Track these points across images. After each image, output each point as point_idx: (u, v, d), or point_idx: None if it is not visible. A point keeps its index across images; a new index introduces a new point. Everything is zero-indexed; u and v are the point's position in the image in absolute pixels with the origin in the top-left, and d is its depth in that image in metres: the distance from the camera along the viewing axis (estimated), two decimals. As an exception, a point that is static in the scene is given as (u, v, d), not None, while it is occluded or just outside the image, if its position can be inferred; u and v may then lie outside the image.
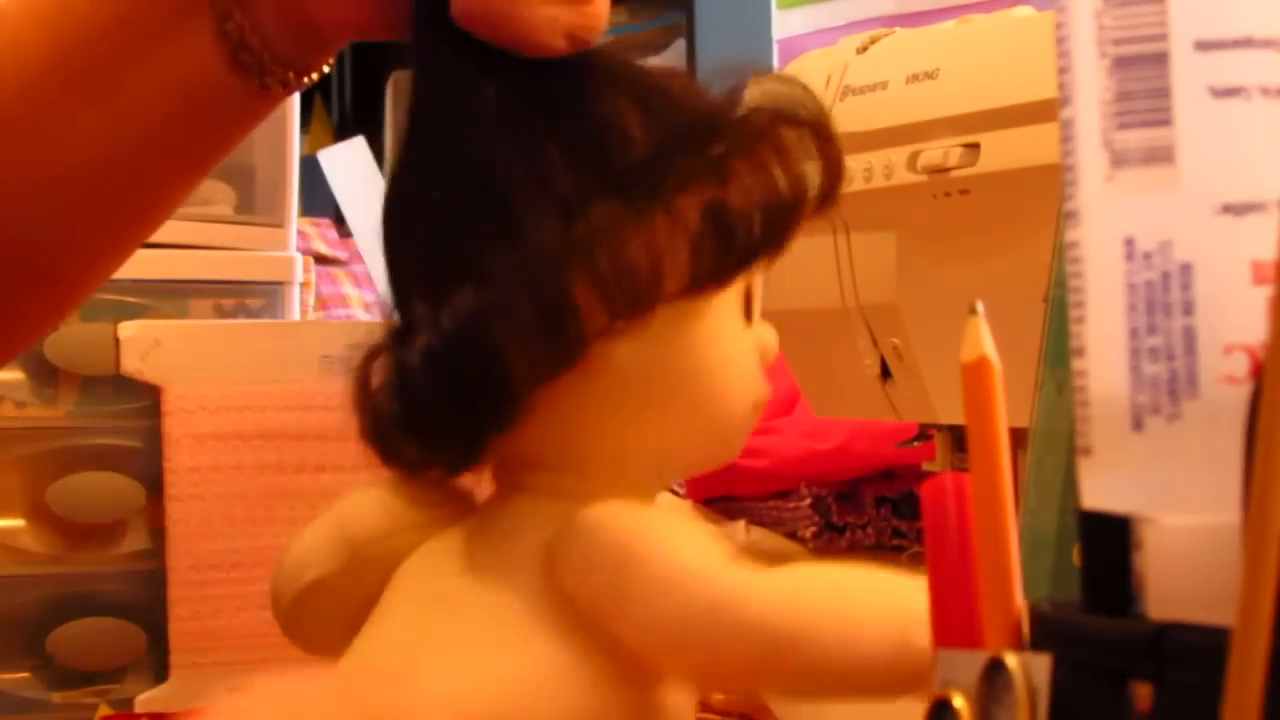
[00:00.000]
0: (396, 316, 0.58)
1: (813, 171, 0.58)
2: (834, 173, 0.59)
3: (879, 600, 0.52)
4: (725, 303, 0.58)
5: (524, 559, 0.56)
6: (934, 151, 0.88)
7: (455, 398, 0.54)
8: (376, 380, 0.57)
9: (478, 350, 0.54)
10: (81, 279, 0.71)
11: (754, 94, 0.59)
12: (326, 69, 0.67)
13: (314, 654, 0.60)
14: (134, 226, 0.70)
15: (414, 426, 0.56)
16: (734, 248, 0.55)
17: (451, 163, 0.57)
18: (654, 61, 0.62)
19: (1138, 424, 0.39)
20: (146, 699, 1.12)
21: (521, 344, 0.53)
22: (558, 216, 0.54)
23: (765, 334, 0.60)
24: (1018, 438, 0.44)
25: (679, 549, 0.53)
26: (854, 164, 0.94)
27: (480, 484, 0.61)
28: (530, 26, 0.56)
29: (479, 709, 0.53)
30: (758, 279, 0.60)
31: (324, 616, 0.59)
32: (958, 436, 0.98)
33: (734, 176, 0.55)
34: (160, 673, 1.13)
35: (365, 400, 0.58)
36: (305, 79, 0.66)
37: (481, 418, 0.55)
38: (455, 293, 0.54)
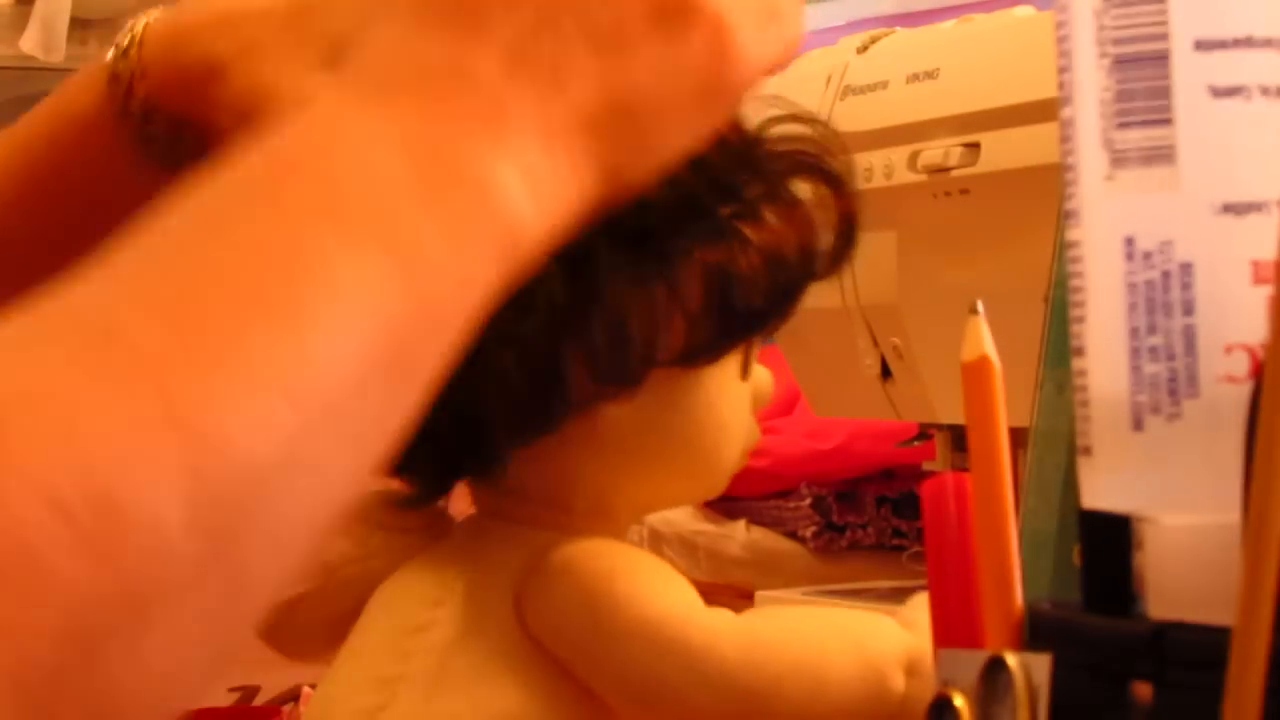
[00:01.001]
0: None
1: (825, 229, 0.57)
2: (847, 235, 0.58)
3: (849, 645, 0.52)
4: (727, 366, 0.57)
5: (500, 592, 0.56)
6: (934, 151, 0.88)
7: (435, 446, 0.53)
8: None
9: (459, 404, 0.52)
10: None
11: (783, 135, 0.58)
12: None
13: (293, 659, 0.61)
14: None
15: (399, 464, 0.56)
16: (733, 324, 0.55)
17: None
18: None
19: (1138, 424, 0.39)
20: (146, 699, 1.11)
21: (504, 404, 0.53)
22: (559, 277, 0.53)
23: (760, 380, 0.59)
24: (1018, 438, 0.44)
25: (649, 598, 0.53)
26: (854, 164, 0.94)
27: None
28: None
29: None
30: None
31: (301, 629, 0.59)
32: (958, 436, 0.98)
33: (742, 248, 0.54)
34: (160, 673, 1.13)
35: None
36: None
37: (460, 466, 0.56)
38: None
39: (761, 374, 0.59)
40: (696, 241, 0.54)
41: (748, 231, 0.55)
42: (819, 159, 0.58)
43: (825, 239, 0.58)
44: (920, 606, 0.54)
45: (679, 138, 0.43)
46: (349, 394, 0.36)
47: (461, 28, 0.42)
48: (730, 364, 0.57)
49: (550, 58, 0.41)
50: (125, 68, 0.60)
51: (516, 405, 0.53)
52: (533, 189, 0.40)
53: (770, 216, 0.55)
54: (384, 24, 0.43)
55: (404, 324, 0.38)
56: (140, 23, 0.62)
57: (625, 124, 0.42)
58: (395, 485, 0.59)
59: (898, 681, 0.51)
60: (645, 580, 0.54)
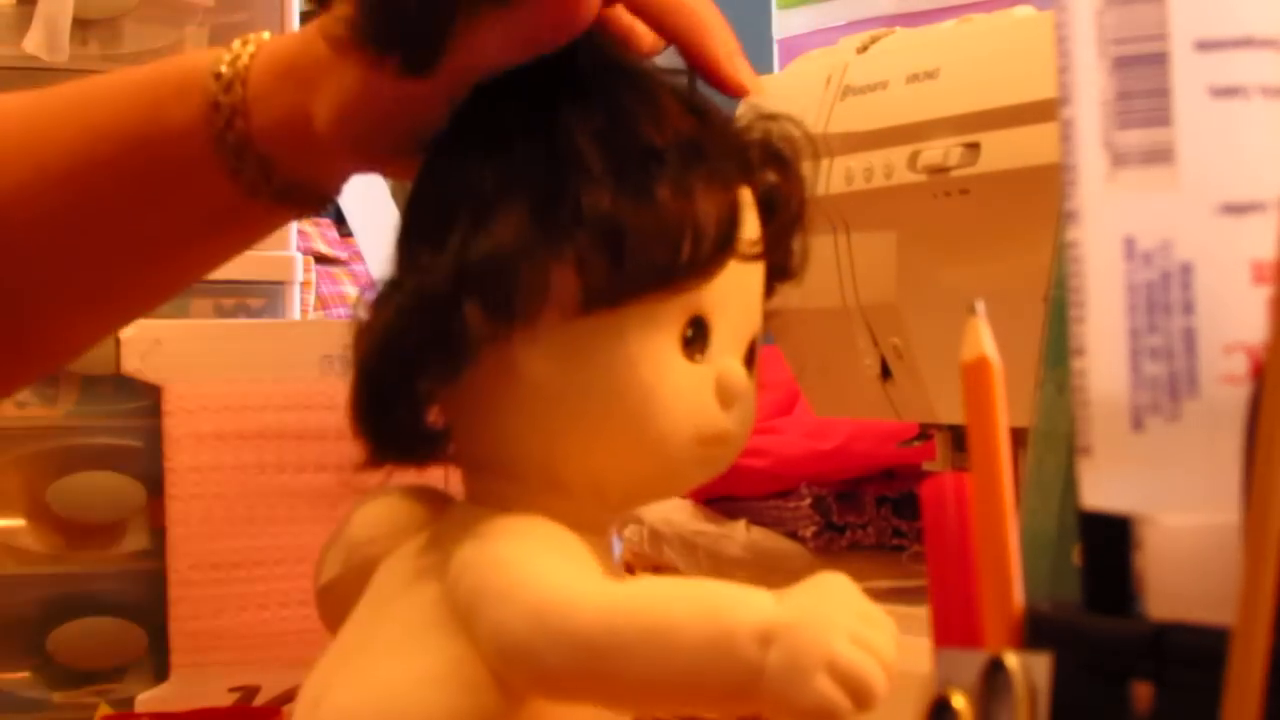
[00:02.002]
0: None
1: (752, 222, 0.58)
2: (791, 213, 0.59)
3: (702, 611, 0.52)
4: (651, 328, 0.57)
5: (439, 566, 0.57)
6: (934, 151, 0.88)
7: (369, 388, 0.57)
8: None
9: (382, 345, 0.56)
10: (64, 349, 0.73)
11: (752, 129, 0.59)
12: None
13: None
14: (130, 310, 0.72)
15: (353, 413, 0.58)
16: (625, 269, 0.55)
17: (427, 160, 0.59)
18: (657, 62, 0.62)
19: (1138, 424, 0.39)
20: (146, 699, 1.12)
21: (414, 342, 0.55)
22: (471, 223, 0.55)
23: (726, 368, 0.58)
24: (1018, 438, 0.45)
25: (523, 562, 0.54)
26: (854, 164, 0.94)
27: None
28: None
29: (362, 716, 0.54)
30: (718, 310, 0.58)
31: (339, 616, 0.60)
32: (958, 436, 0.98)
33: (645, 198, 0.55)
34: (160, 673, 1.13)
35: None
36: (319, 192, 0.65)
37: (391, 409, 0.57)
38: (395, 287, 0.56)
39: (727, 364, 0.59)
40: (595, 200, 0.55)
41: (661, 193, 0.55)
42: (771, 146, 0.59)
43: (751, 225, 0.58)
44: (809, 584, 0.53)
45: None
46: None
47: None
48: (660, 332, 0.57)
49: None
50: (228, 101, 0.62)
51: (422, 343, 0.55)
52: None
53: (692, 185, 0.56)
54: None
55: None
56: (246, 52, 0.63)
57: None
58: (416, 475, 0.61)
59: (750, 651, 0.51)
60: (527, 546, 0.55)
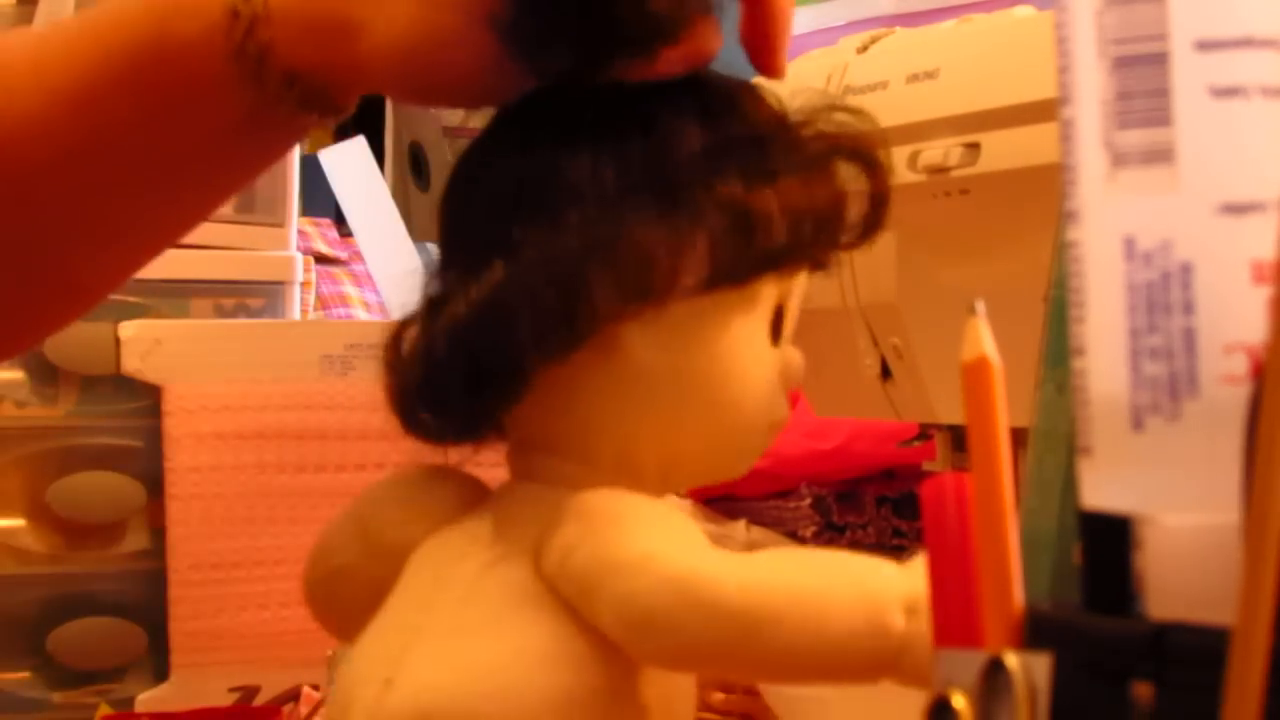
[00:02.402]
0: (436, 286, 0.59)
1: (858, 201, 0.59)
2: (879, 204, 0.60)
3: (850, 582, 0.52)
4: (750, 313, 0.58)
5: (520, 546, 0.57)
6: (934, 151, 0.88)
7: (468, 366, 0.56)
8: (407, 348, 0.58)
9: (493, 321, 0.55)
10: (96, 286, 0.71)
11: (824, 122, 0.60)
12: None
13: (341, 638, 0.62)
14: (156, 241, 0.70)
15: (430, 393, 0.57)
16: (754, 248, 0.56)
17: (512, 148, 0.58)
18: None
19: (1138, 424, 0.39)
20: (146, 699, 1.12)
21: (533, 317, 0.55)
22: (594, 207, 0.55)
23: (792, 357, 0.61)
24: (1018, 438, 0.45)
25: (654, 533, 0.54)
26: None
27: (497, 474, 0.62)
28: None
29: (459, 695, 0.53)
30: (792, 299, 0.60)
31: (347, 602, 0.60)
32: (958, 436, 0.98)
33: (766, 184, 0.57)
34: (160, 672, 1.13)
35: (393, 366, 0.58)
36: (338, 101, 0.62)
37: (490, 388, 0.56)
38: (488, 267, 0.56)
39: (793, 352, 0.61)
40: (721, 179, 0.56)
41: (778, 175, 0.57)
42: (856, 142, 0.60)
43: (854, 211, 0.59)
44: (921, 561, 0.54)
45: None
46: None
47: None
48: (758, 319, 0.59)
49: None
50: (247, 9, 0.60)
51: (543, 314, 0.55)
52: None
53: (804, 167, 0.58)
54: None
55: None
56: None
57: None
58: (437, 458, 0.60)
59: (897, 619, 0.52)
60: (648, 519, 0.54)
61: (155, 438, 1.13)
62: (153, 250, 0.70)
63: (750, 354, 0.58)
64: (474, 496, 0.61)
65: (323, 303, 1.91)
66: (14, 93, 0.64)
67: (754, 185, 0.57)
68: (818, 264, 0.62)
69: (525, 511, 0.58)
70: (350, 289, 1.93)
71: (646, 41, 0.57)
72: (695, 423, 0.58)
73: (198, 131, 0.63)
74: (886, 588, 0.52)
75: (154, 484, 1.14)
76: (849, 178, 0.59)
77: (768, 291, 0.59)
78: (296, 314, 1.35)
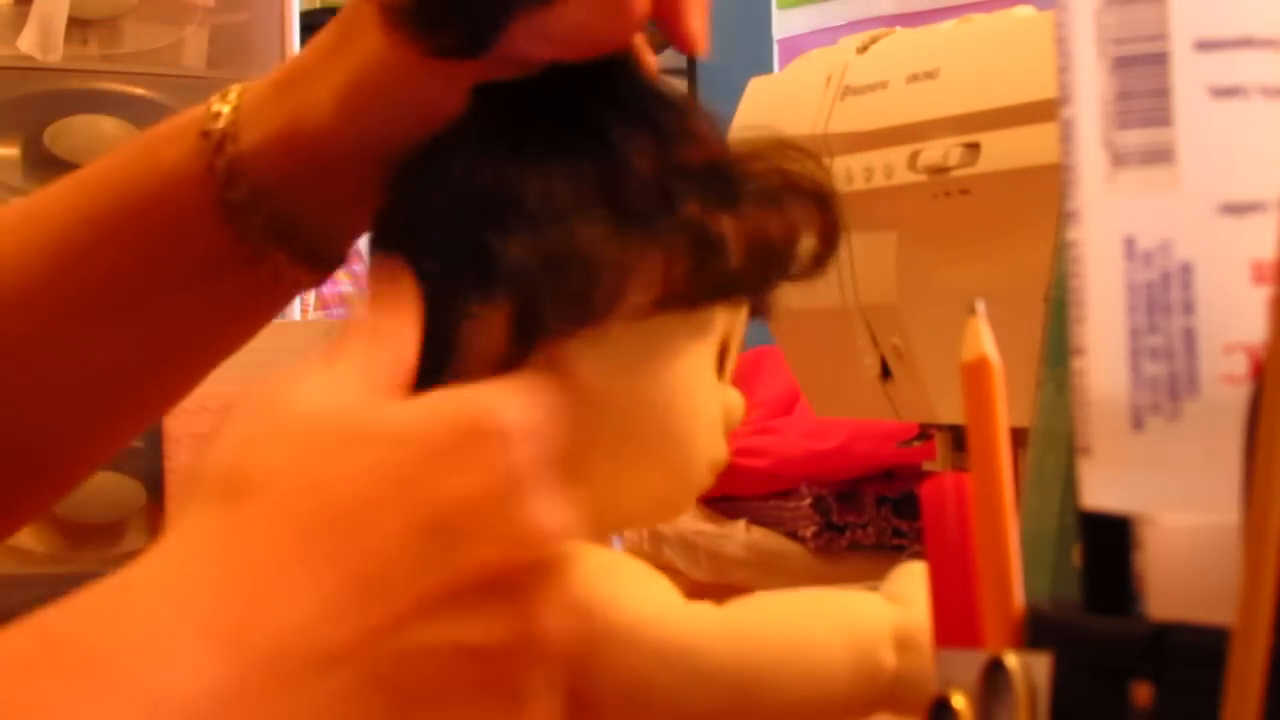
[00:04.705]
0: None
1: (808, 241, 0.58)
2: (829, 241, 0.59)
3: (835, 627, 0.52)
4: (702, 341, 0.58)
5: None
6: (934, 151, 0.88)
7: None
8: None
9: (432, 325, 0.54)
10: (73, 471, 0.69)
11: (776, 157, 0.59)
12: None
13: None
14: (137, 421, 0.70)
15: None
16: (709, 271, 0.55)
17: (460, 159, 0.57)
18: (652, 61, 0.62)
19: (1138, 424, 0.39)
20: (146, 699, 1.12)
21: (475, 336, 0.54)
22: (544, 221, 0.54)
23: (734, 398, 0.59)
24: (1018, 438, 0.45)
25: (629, 599, 0.53)
26: (854, 164, 0.94)
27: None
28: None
29: None
30: (734, 338, 0.59)
31: None
32: (958, 436, 0.98)
33: (725, 208, 0.56)
34: (160, 673, 1.13)
35: None
36: (325, 260, 0.63)
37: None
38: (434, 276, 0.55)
39: (735, 393, 0.59)
40: (681, 199, 0.56)
41: (732, 208, 0.56)
42: (810, 178, 0.59)
43: (807, 242, 0.59)
44: (905, 578, 0.54)
45: None
46: None
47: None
48: (709, 349, 0.58)
49: None
50: (218, 128, 0.61)
51: (484, 335, 0.54)
52: None
53: (754, 206, 0.57)
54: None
55: None
56: (235, 89, 0.62)
57: None
58: None
59: (889, 657, 0.51)
60: (622, 581, 0.54)
61: (155, 438, 1.13)
62: (130, 430, 0.70)
63: (698, 388, 0.57)
64: None
65: (323, 303, 1.91)
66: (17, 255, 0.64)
67: (712, 208, 0.56)
68: (760, 304, 0.61)
69: None
70: (350, 289, 1.93)
71: None
72: (643, 454, 0.57)
73: (178, 271, 0.63)
74: (874, 625, 0.52)
75: (154, 484, 1.14)
76: (801, 215, 0.59)
77: (718, 322, 0.58)
78: (296, 314, 1.35)
